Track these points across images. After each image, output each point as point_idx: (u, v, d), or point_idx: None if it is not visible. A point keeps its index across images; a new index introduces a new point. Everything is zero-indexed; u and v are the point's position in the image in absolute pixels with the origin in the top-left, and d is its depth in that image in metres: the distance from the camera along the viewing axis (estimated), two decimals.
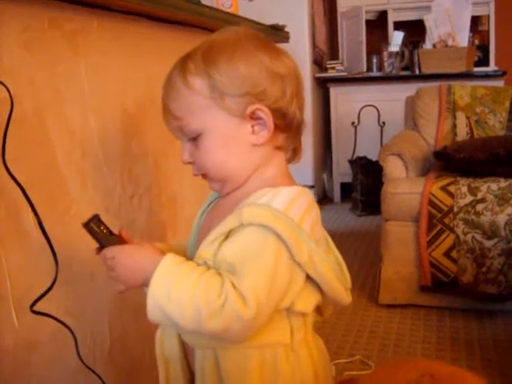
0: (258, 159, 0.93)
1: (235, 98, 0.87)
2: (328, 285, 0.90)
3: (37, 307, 1.04)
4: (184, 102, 0.89)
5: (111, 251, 0.90)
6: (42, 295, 1.04)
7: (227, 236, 0.85)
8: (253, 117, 0.89)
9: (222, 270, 0.84)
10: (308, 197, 0.90)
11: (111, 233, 0.93)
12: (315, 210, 0.91)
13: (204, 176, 0.95)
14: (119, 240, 0.93)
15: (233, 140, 0.90)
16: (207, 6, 1.72)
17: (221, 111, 0.88)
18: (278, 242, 0.83)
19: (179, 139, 0.95)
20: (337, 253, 1.00)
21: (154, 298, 0.82)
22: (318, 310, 1.01)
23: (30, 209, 1.02)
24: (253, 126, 0.90)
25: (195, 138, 0.91)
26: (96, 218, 0.93)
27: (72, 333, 1.12)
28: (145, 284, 0.85)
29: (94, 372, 1.19)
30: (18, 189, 1.00)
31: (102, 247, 0.92)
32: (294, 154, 1.00)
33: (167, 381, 1.00)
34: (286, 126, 0.93)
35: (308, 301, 0.92)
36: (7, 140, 0.98)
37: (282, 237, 0.82)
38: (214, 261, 0.85)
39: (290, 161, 1.00)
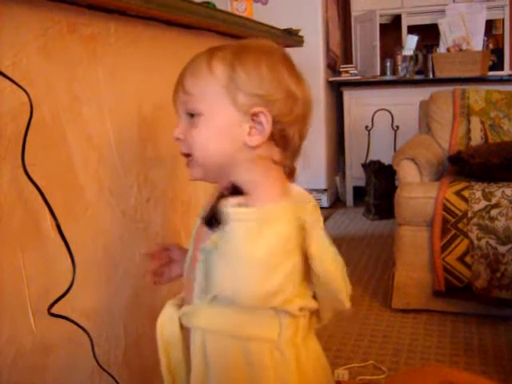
0: (244, 160, 0.92)
1: (247, 96, 0.90)
2: (333, 287, 0.91)
3: (54, 309, 1.05)
4: (200, 81, 0.93)
5: None
6: (60, 298, 1.05)
7: None
8: (254, 118, 0.91)
9: None
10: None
11: None
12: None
13: (188, 157, 0.97)
14: None
15: (228, 133, 0.92)
16: (222, 11, 1.73)
17: (229, 102, 0.91)
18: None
19: (178, 114, 0.98)
20: (343, 268, 1.01)
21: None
22: (317, 315, 1.00)
23: (47, 212, 1.04)
24: (250, 128, 0.92)
25: (193, 116, 0.94)
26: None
27: (89, 335, 1.13)
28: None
29: (109, 374, 1.20)
30: (37, 192, 1.01)
31: None
32: (289, 176, 0.99)
33: (169, 366, 1.01)
34: (283, 142, 0.94)
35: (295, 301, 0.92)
36: (26, 144, 0.99)
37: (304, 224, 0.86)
38: None
39: None
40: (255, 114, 0.91)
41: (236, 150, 0.93)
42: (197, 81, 0.93)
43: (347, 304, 0.96)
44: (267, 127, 0.91)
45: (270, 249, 0.80)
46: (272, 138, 0.92)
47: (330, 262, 0.89)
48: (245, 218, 0.80)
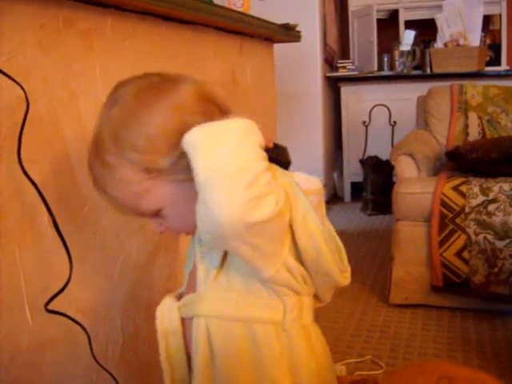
0: None
1: (173, 167, 0.83)
2: (318, 253, 0.89)
3: (51, 306, 1.04)
4: (129, 194, 0.86)
5: None
6: (57, 294, 1.05)
7: None
8: None
9: None
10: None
11: None
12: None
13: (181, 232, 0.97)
14: None
15: (191, 198, 0.83)
16: (219, 6, 1.72)
17: (166, 183, 0.85)
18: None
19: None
20: (342, 250, 0.99)
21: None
22: (316, 296, 1.00)
23: (44, 208, 1.03)
24: None
25: (157, 214, 0.90)
26: None
27: (86, 332, 1.12)
28: None
29: (106, 371, 1.19)
30: (33, 188, 1.01)
31: None
32: None
33: (168, 354, 1.00)
34: None
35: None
36: (22, 140, 0.99)
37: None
38: None
39: None
40: None
41: None
42: (125, 196, 0.86)
43: (342, 280, 0.95)
44: None
45: (230, 148, 0.76)
46: None
47: (313, 227, 0.88)
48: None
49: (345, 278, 0.97)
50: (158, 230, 0.94)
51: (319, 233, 0.89)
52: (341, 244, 0.99)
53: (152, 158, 0.81)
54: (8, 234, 1.01)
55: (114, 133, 0.83)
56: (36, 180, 1.01)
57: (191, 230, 0.96)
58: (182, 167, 0.82)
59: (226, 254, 0.89)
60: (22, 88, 0.98)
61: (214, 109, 0.87)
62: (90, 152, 0.88)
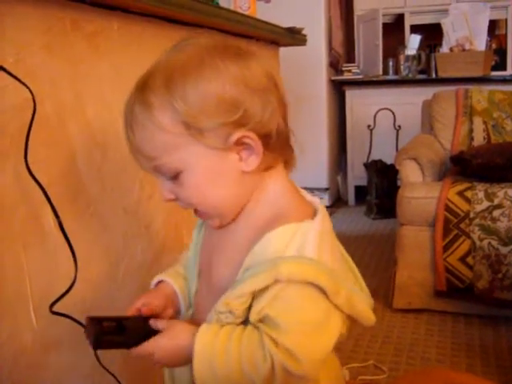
0: (251, 185, 0.84)
1: (214, 132, 0.77)
2: (361, 317, 0.87)
3: (55, 307, 1.04)
4: (156, 142, 0.79)
5: (146, 349, 0.84)
6: (61, 296, 1.04)
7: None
8: (238, 144, 0.79)
9: (257, 322, 0.79)
10: (325, 221, 0.85)
11: (120, 320, 0.85)
12: (331, 228, 0.87)
13: (196, 211, 0.87)
14: (138, 323, 0.86)
15: (219, 173, 0.81)
16: (225, 9, 1.73)
17: (200, 146, 0.78)
18: (319, 293, 0.78)
19: (155, 177, 0.86)
20: (355, 269, 0.98)
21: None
22: None
23: (50, 209, 1.03)
24: (239, 153, 0.81)
25: (175, 176, 0.82)
26: (93, 321, 0.82)
27: None
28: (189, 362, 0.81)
29: (110, 373, 1.19)
30: (39, 189, 1.01)
31: (129, 345, 0.84)
32: (286, 167, 0.90)
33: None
34: (275, 142, 0.83)
35: None
36: (29, 141, 0.99)
37: (325, 289, 0.78)
38: (243, 311, 0.80)
39: None
40: (237, 141, 0.79)
41: (238, 183, 0.83)
42: (152, 142, 0.79)
43: (373, 320, 0.90)
44: (257, 146, 0.80)
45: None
46: (264, 147, 0.81)
47: (357, 302, 0.84)
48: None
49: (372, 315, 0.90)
50: (165, 197, 0.85)
51: (363, 304, 0.86)
52: (359, 275, 0.97)
53: (196, 115, 0.76)
54: (14, 234, 1.01)
55: (170, 75, 0.78)
56: (42, 181, 1.01)
57: (207, 212, 0.86)
58: (221, 135, 0.78)
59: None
60: (30, 89, 0.99)
61: (273, 95, 0.83)
62: (135, 86, 0.83)
